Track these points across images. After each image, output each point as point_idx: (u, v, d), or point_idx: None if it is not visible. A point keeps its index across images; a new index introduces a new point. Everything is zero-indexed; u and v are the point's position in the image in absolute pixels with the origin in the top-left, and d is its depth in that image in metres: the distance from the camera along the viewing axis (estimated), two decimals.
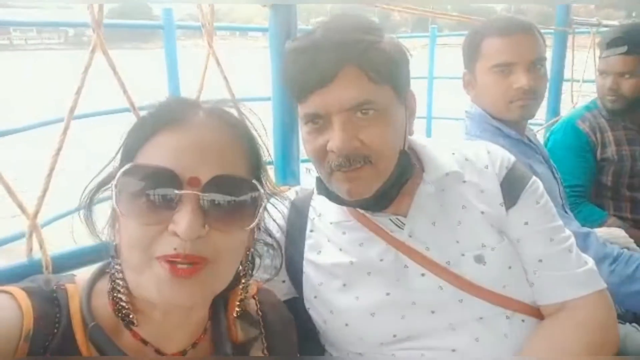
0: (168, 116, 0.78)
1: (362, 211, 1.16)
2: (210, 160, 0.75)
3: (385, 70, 1.03)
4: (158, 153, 0.75)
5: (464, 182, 1.17)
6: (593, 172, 2.32)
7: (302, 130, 1.11)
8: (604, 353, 1.11)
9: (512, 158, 1.23)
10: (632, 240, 1.91)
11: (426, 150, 1.19)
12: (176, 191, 0.72)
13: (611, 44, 2.24)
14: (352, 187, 1.06)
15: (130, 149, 0.78)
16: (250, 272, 0.91)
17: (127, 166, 0.74)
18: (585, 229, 1.64)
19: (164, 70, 3.19)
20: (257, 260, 0.95)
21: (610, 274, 1.54)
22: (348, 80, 1.00)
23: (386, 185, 1.07)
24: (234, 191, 0.76)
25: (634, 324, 1.68)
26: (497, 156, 1.21)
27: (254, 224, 0.80)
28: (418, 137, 1.21)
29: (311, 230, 1.22)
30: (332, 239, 1.19)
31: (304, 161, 1.58)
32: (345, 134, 1.01)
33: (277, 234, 1.16)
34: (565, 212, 1.78)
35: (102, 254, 1.02)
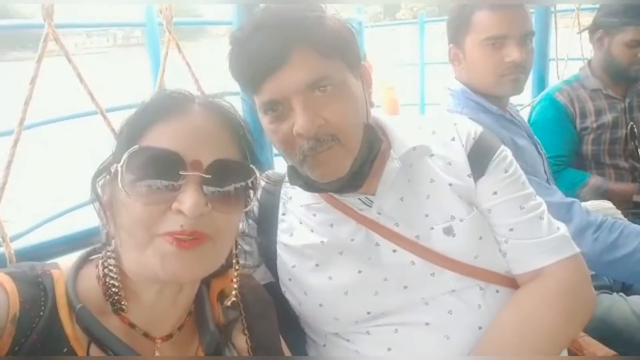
0: (166, 107, 0.82)
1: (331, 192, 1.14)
2: (209, 145, 0.80)
3: (334, 44, 1.01)
4: (161, 138, 0.79)
5: (432, 155, 1.15)
6: (574, 142, 2.32)
7: (264, 122, 1.07)
8: (578, 318, 1.11)
9: (480, 128, 1.21)
10: (619, 212, 1.90)
11: (393, 126, 1.17)
12: (181, 172, 0.76)
13: None
14: (325, 169, 1.04)
15: (131, 136, 0.80)
16: (238, 259, 0.93)
17: (134, 148, 0.77)
18: (569, 199, 1.63)
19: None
20: (247, 247, 1.00)
21: (594, 242, 1.53)
22: (299, 59, 0.98)
23: (357, 162, 1.06)
24: (232, 174, 0.82)
25: (620, 294, 1.68)
26: (463, 128, 1.19)
27: (250, 205, 0.86)
28: (383, 114, 1.20)
29: (283, 214, 1.22)
30: (304, 220, 1.18)
31: (277, 155, 1.57)
32: (308, 114, 0.98)
33: (249, 220, 1.16)
34: (549, 185, 1.77)
35: (66, 247, 1.03)
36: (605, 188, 2.17)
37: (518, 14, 1.71)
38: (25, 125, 1.00)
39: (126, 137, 0.81)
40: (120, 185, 0.76)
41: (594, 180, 2.21)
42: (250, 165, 0.84)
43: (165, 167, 0.76)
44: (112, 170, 0.79)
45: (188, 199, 0.74)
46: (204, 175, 0.77)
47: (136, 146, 0.77)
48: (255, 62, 0.99)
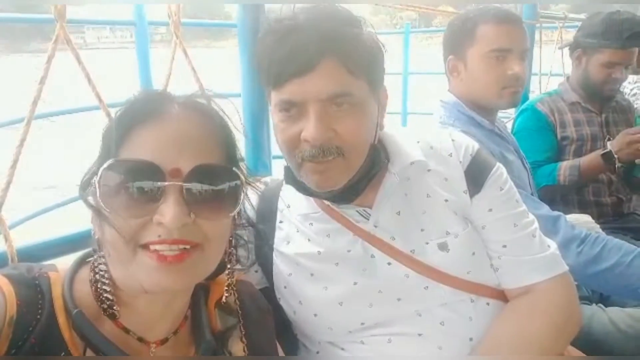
0: (144, 111, 0.79)
1: (328, 202, 1.16)
2: (189, 151, 0.77)
3: (363, 64, 1.03)
4: (138, 147, 0.76)
5: (429, 170, 1.17)
6: (554, 149, 2.39)
7: (275, 118, 1.08)
8: (566, 333, 1.15)
9: (476, 145, 1.23)
10: (598, 226, 1.97)
11: (392, 139, 1.19)
12: (159, 183, 0.73)
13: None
14: (322, 178, 1.05)
15: (109, 146, 0.78)
16: (234, 258, 0.92)
17: (109, 162, 0.74)
18: (555, 213, 1.68)
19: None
20: (242, 252, 0.96)
21: (577, 255, 1.58)
22: (328, 70, 0.99)
23: (354, 178, 1.08)
24: (215, 179, 0.78)
25: (599, 305, 1.73)
26: (461, 144, 1.21)
27: (236, 210, 0.82)
28: (386, 126, 1.20)
29: (281, 222, 1.22)
30: (301, 229, 1.19)
31: (275, 157, 1.59)
32: (321, 124, 1.00)
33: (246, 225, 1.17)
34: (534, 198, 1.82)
35: (68, 247, 1.02)
36: (578, 163, 2.26)
37: (519, 29, 1.78)
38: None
39: (106, 146, 0.78)
40: (99, 199, 0.74)
41: (565, 163, 2.29)
42: (234, 169, 0.82)
43: (142, 179, 0.73)
44: (92, 183, 0.76)
45: (168, 211, 0.72)
46: (184, 184, 0.74)
47: (111, 160, 0.74)
48: (286, 60, 0.99)
